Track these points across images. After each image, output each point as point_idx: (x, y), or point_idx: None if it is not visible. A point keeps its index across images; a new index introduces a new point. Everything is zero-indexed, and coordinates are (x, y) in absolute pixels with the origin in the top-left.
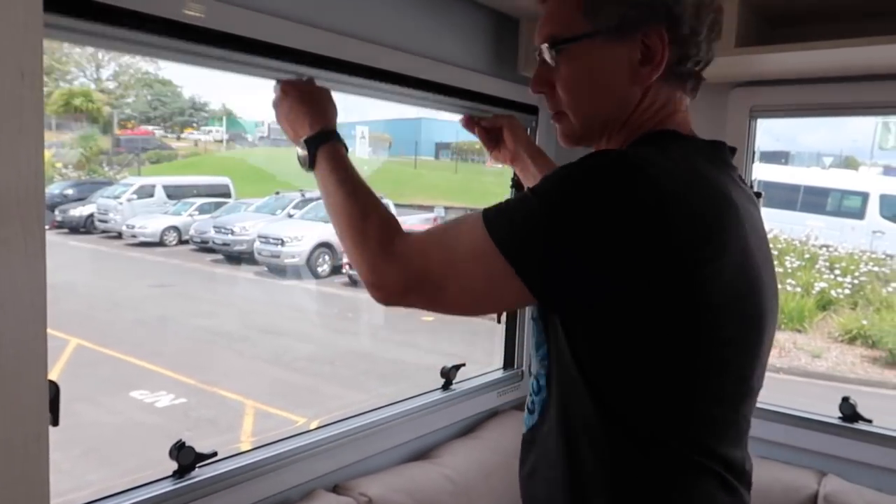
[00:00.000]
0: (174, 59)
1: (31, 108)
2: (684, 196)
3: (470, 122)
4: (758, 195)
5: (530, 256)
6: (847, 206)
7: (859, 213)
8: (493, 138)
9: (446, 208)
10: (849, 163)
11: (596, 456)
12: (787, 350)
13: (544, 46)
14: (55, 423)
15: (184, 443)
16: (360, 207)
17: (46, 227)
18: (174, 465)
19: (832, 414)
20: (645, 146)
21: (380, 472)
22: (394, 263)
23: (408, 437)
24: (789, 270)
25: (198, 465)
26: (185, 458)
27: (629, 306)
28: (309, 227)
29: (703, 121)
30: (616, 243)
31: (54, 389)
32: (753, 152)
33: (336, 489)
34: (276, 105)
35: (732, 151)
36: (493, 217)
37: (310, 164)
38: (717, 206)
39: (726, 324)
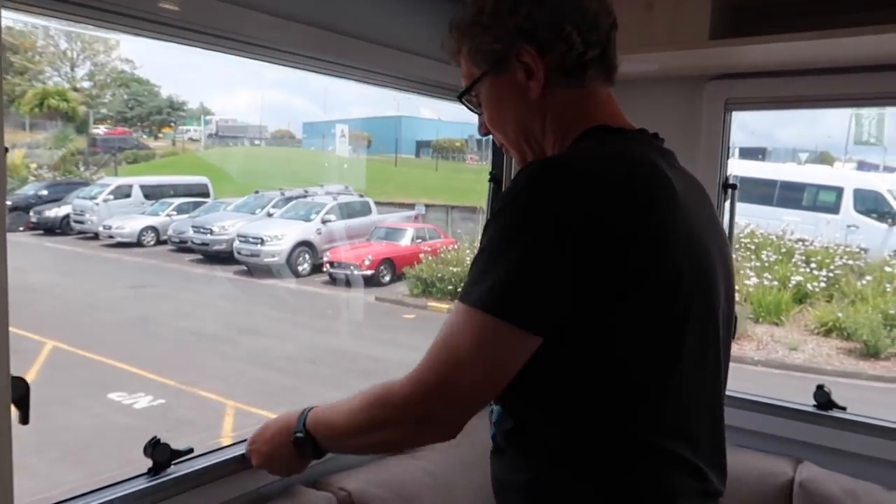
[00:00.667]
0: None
1: None
2: (615, 179)
3: None
4: (733, 187)
5: (518, 300)
6: (822, 200)
7: (834, 208)
8: None
9: (427, 206)
10: (824, 158)
11: (554, 458)
12: (764, 343)
13: (460, 100)
14: (25, 420)
15: (158, 439)
16: (366, 413)
17: (21, 228)
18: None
19: (807, 402)
20: (575, 144)
21: (359, 467)
22: (413, 400)
23: None
24: (766, 264)
25: (173, 461)
26: (160, 454)
27: (599, 296)
28: (289, 226)
29: (677, 114)
30: (574, 241)
31: (24, 387)
32: (729, 146)
33: (315, 484)
34: (260, 465)
35: (656, 138)
36: (468, 295)
37: (317, 452)
38: (650, 183)
39: (678, 298)
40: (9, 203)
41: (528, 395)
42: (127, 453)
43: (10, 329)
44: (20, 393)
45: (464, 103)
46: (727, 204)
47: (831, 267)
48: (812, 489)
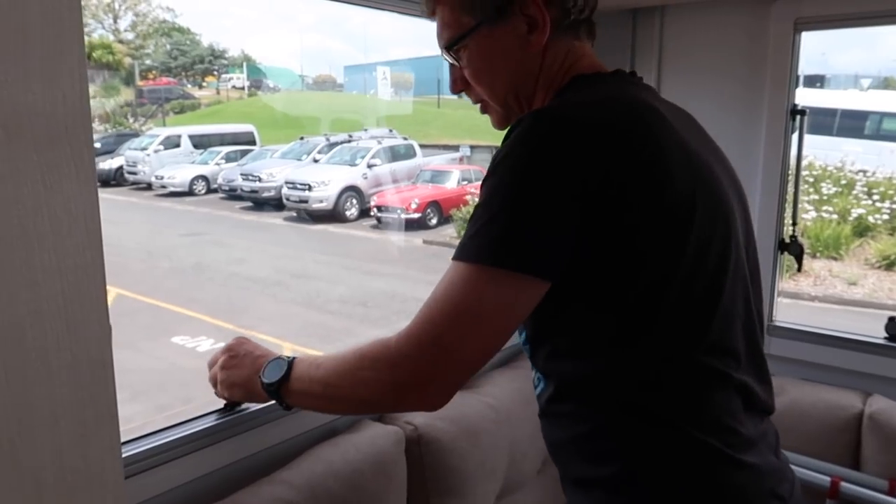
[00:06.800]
0: None
1: (70, 29)
2: (601, 119)
3: None
4: (802, 113)
5: (519, 248)
6: (886, 129)
7: None
8: None
9: (472, 147)
10: (888, 83)
11: (605, 402)
12: (822, 278)
13: (443, 51)
14: None
15: None
16: (348, 374)
17: None
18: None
19: (876, 335)
20: (559, 96)
21: None
22: (410, 358)
23: None
24: (825, 197)
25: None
26: None
27: (607, 234)
28: (335, 172)
29: (742, 37)
30: (566, 186)
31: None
32: (798, 70)
33: (382, 419)
34: (219, 386)
35: (633, 75)
36: (465, 250)
37: (285, 404)
38: (637, 116)
39: (694, 222)
40: None
41: (563, 348)
42: (198, 396)
43: None
44: None
45: (446, 55)
46: (796, 132)
47: (895, 198)
48: (883, 421)
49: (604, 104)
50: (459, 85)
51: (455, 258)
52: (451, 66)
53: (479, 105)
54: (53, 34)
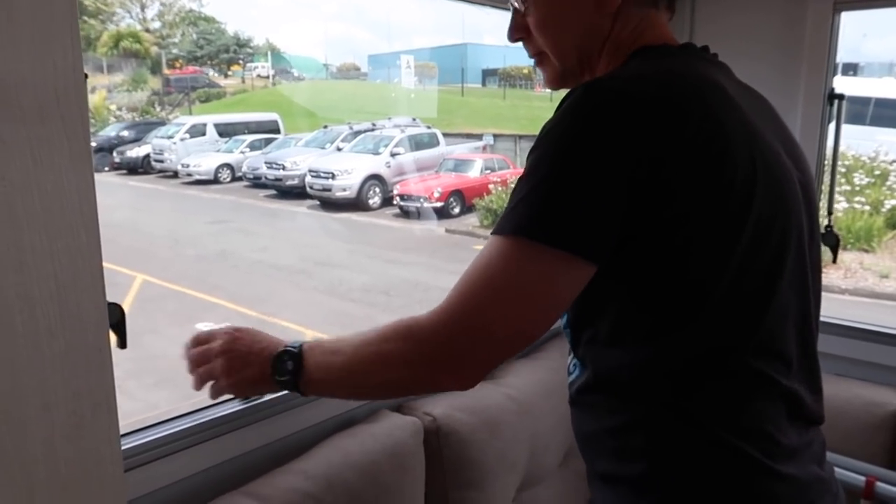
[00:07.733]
0: None
1: None
2: (657, 95)
3: None
4: (840, 98)
5: (560, 223)
6: None
7: None
8: None
9: (495, 136)
10: None
11: (640, 396)
12: (852, 271)
13: None
14: (123, 345)
15: None
16: (373, 356)
17: (106, 168)
18: None
19: None
20: (622, 67)
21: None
22: (440, 334)
23: None
24: (857, 188)
25: None
26: None
27: (656, 217)
28: (358, 160)
29: (778, 19)
30: (614, 165)
31: (119, 312)
32: (836, 53)
33: (400, 409)
34: (229, 390)
35: (705, 50)
36: (507, 222)
37: (296, 380)
38: (696, 93)
39: (752, 209)
40: (93, 144)
41: (603, 335)
42: None
43: (104, 264)
44: (116, 318)
45: None
46: (832, 121)
47: None
48: None
49: (662, 78)
50: (518, 34)
51: (493, 232)
52: (514, 11)
53: (535, 58)
54: (44, 1)
